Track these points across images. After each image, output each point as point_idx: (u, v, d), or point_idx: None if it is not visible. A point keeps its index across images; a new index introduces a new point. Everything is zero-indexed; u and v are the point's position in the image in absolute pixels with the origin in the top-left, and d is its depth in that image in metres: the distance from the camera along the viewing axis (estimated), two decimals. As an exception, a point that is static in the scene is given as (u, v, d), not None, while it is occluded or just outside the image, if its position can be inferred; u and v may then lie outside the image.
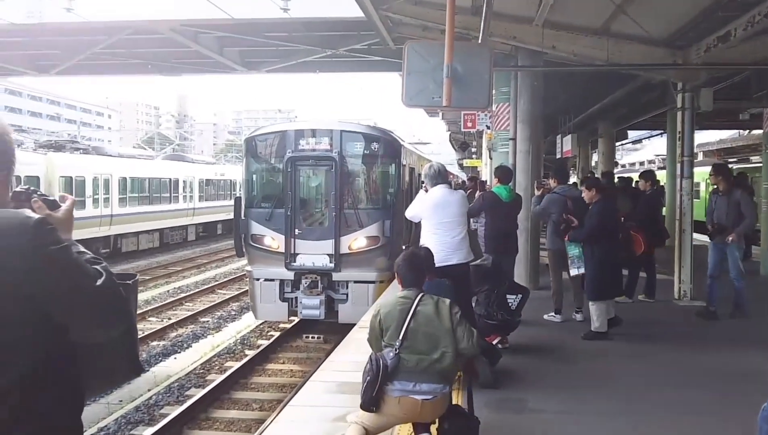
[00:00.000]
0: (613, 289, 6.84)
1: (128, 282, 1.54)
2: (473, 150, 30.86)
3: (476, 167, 37.67)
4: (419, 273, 3.96)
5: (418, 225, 5.84)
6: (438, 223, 5.55)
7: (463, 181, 28.80)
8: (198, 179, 29.27)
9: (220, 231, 32.15)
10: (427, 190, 5.80)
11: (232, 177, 33.74)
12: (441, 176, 5.67)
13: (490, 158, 13.54)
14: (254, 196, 11.67)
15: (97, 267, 1.46)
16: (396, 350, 3.71)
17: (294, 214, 10.88)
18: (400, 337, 3.70)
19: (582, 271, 6.86)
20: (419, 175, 15.18)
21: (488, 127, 12.91)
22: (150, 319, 13.79)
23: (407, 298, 3.83)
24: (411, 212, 5.84)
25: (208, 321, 13.53)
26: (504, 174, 7.38)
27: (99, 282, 1.41)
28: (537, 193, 8.50)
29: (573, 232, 7.00)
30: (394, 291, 4.18)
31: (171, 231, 26.84)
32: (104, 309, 1.42)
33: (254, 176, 11.72)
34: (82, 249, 1.49)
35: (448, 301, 3.80)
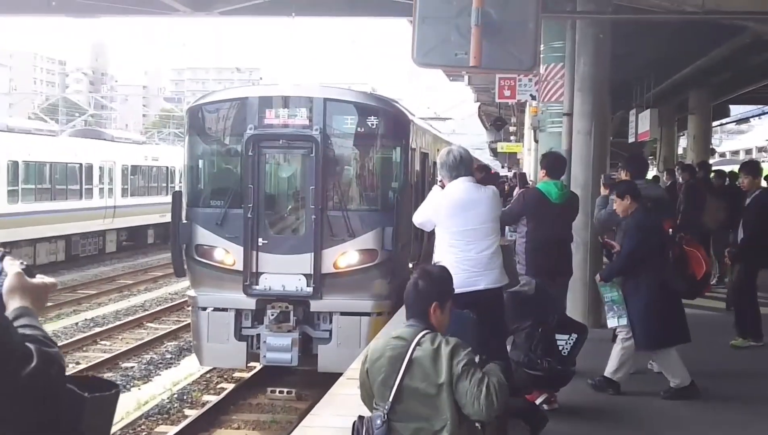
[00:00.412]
0: (675, 331, 6.86)
1: (104, 393, 1.51)
2: (511, 129, 31.00)
3: (515, 154, 37.96)
4: (427, 300, 3.95)
5: (433, 235, 5.88)
6: (458, 233, 5.59)
7: (505, 178, 28.83)
8: (121, 165, 29.39)
9: (152, 239, 32.29)
10: (443, 186, 5.85)
11: (169, 162, 33.87)
12: (463, 165, 5.71)
13: (536, 141, 13.65)
14: (200, 190, 11.75)
15: (31, 347, 1.45)
16: (384, 416, 3.67)
17: (257, 217, 10.96)
18: (390, 398, 3.67)
19: (624, 321, 6.85)
20: (434, 163, 15.28)
21: (533, 98, 13.00)
22: (49, 362, 13.84)
23: (401, 340, 3.79)
24: (421, 217, 5.89)
25: (132, 368, 13.58)
26: (554, 164, 7.44)
27: (25, 369, 1.39)
28: (603, 192, 8.55)
29: (606, 267, 7.12)
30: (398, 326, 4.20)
31: (82, 238, 26.93)
32: (22, 413, 1.37)
33: (201, 162, 11.80)
34: (32, 323, 1.52)
35: (453, 341, 3.73)
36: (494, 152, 47.51)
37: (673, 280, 6.93)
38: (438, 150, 16.34)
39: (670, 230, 8.10)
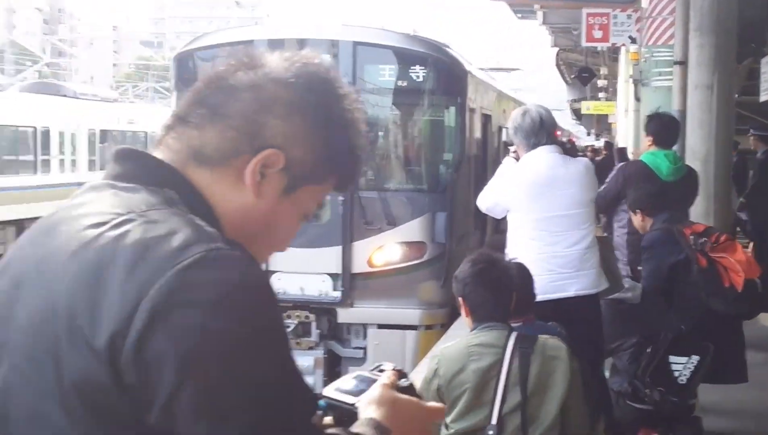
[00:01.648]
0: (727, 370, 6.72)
1: None
2: (600, 84, 30.79)
3: (606, 117, 37.70)
4: (505, 294, 4.06)
5: (503, 222, 5.90)
6: (541, 221, 5.60)
7: (588, 150, 28.65)
8: (87, 130, 29.70)
9: (126, 227, 32.61)
10: (518, 158, 5.89)
11: (148, 126, 34.11)
12: (545, 130, 5.71)
13: (637, 100, 13.51)
14: (193, 161, 11.84)
15: None
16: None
17: None
18: (495, 414, 3.83)
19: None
20: (499, 129, 15.25)
21: (632, 41, 12.85)
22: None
23: (489, 347, 3.92)
24: (489, 199, 5.90)
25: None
26: (665, 129, 7.41)
27: None
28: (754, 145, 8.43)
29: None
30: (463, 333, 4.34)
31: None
32: None
33: (194, 126, 11.89)
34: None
35: (564, 346, 3.95)
36: (577, 114, 47.30)
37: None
38: (504, 111, 16.33)
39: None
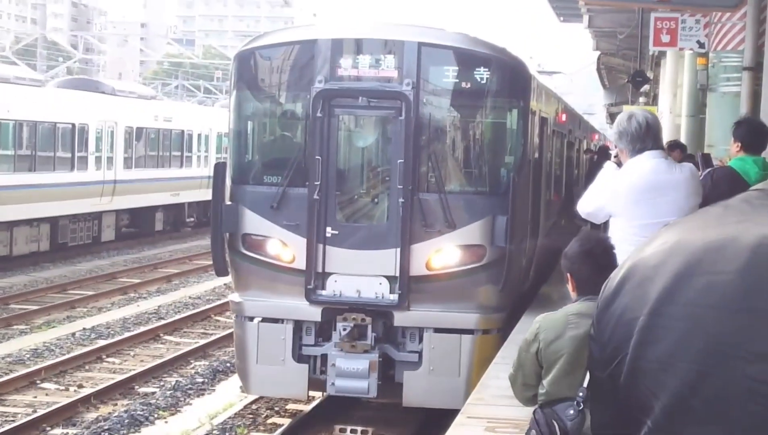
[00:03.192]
0: None
1: None
2: (642, 89, 30.67)
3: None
4: (607, 272, 4.17)
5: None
6: (645, 227, 5.55)
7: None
8: (124, 127, 29.89)
9: (161, 225, 32.76)
10: (619, 163, 5.95)
11: (186, 125, 34.26)
12: (651, 135, 5.76)
13: (704, 105, 13.45)
14: (251, 162, 11.91)
15: None
16: (579, 405, 4.11)
17: (325, 200, 11.05)
18: (585, 382, 3.99)
19: None
20: (553, 132, 15.17)
21: (701, 46, 12.79)
22: (44, 385, 14.12)
23: (587, 317, 4.12)
24: (591, 204, 5.89)
25: (153, 394, 13.75)
26: (753, 135, 7.37)
27: None
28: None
29: None
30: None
31: (72, 222, 27.46)
32: None
33: (252, 125, 11.97)
34: None
35: None
36: (613, 118, 47.14)
37: None
38: (558, 112, 16.26)
39: None
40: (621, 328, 1.47)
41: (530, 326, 4.74)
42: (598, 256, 4.53)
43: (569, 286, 4.68)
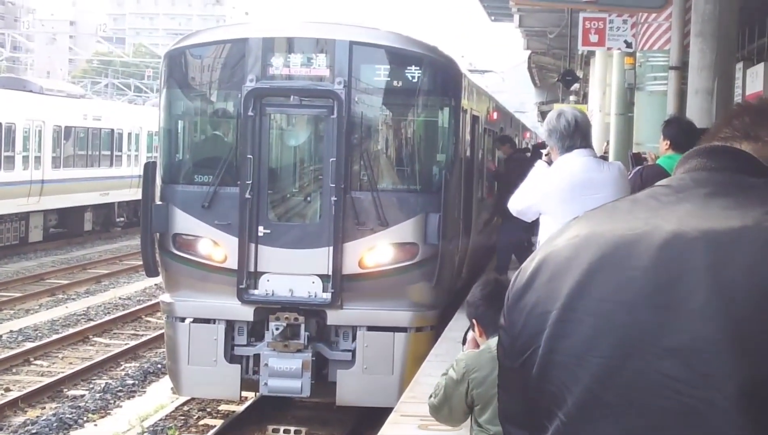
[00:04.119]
0: None
1: None
2: (573, 88, 30.99)
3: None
4: None
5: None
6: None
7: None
8: (52, 126, 29.39)
9: (90, 225, 32.32)
10: (550, 161, 5.96)
11: (116, 124, 33.82)
12: (580, 133, 5.79)
13: (632, 103, 13.61)
14: (182, 161, 11.80)
15: None
16: None
17: (257, 199, 10.98)
18: None
19: None
20: (485, 130, 15.24)
21: (628, 46, 12.98)
22: (-30, 388, 13.84)
23: None
24: (521, 202, 5.92)
25: (83, 397, 13.55)
26: (682, 134, 7.41)
27: None
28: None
29: None
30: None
31: (-2, 223, 26.95)
32: None
33: (183, 124, 11.86)
34: None
35: None
36: (544, 116, 47.63)
37: None
38: (490, 111, 16.34)
39: None
40: (533, 320, 1.48)
41: (455, 362, 4.68)
42: (501, 298, 4.53)
43: (476, 333, 4.69)
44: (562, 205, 5.61)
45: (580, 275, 1.45)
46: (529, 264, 1.55)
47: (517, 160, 14.25)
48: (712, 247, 1.41)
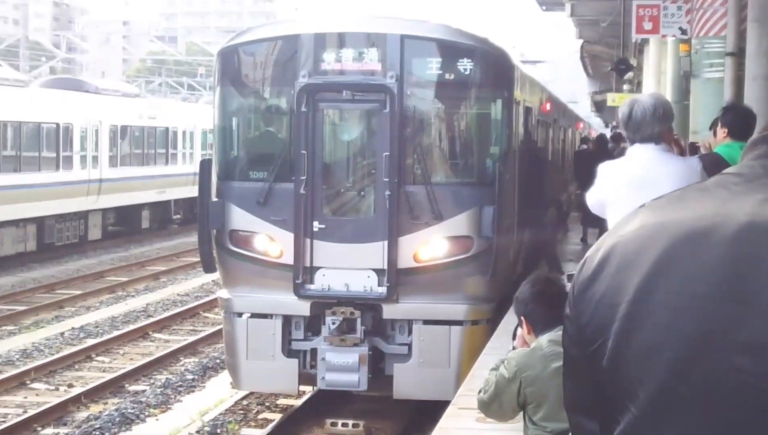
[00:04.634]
0: None
1: None
2: (627, 77, 30.71)
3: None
4: (563, 309, 4.20)
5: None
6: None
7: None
8: (108, 126, 29.78)
9: (147, 223, 32.71)
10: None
11: (171, 122, 34.14)
12: (651, 124, 5.41)
13: (688, 91, 13.48)
14: (237, 158, 11.90)
15: None
16: None
17: (312, 194, 11.05)
18: None
19: None
20: (538, 121, 15.17)
21: (683, 33, 12.82)
22: (34, 385, 14.10)
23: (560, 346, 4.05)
24: (594, 195, 5.77)
25: (144, 392, 13.73)
26: (741, 121, 7.29)
27: None
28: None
29: None
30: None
31: (58, 222, 27.35)
32: None
33: (237, 121, 11.96)
34: None
35: None
36: (597, 106, 47.18)
37: None
38: (542, 102, 16.26)
39: None
40: (601, 312, 1.45)
41: (506, 361, 4.67)
42: (550, 296, 4.53)
43: (524, 330, 4.69)
44: (622, 200, 5.52)
45: (649, 267, 1.42)
46: (596, 254, 1.51)
47: (581, 153, 14.09)
48: None
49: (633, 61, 27.32)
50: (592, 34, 28.69)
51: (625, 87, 33.71)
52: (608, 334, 1.44)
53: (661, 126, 5.47)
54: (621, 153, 17.80)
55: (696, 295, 1.39)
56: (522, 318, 4.69)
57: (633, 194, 5.46)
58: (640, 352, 1.42)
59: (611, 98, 31.99)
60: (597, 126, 61.45)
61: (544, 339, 4.52)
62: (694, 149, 9.75)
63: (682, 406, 1.39)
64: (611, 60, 29.34)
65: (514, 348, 4.93)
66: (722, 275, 1.38)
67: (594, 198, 5.78)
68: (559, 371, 4.15)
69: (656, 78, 23.09)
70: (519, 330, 4.85)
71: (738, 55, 10.46)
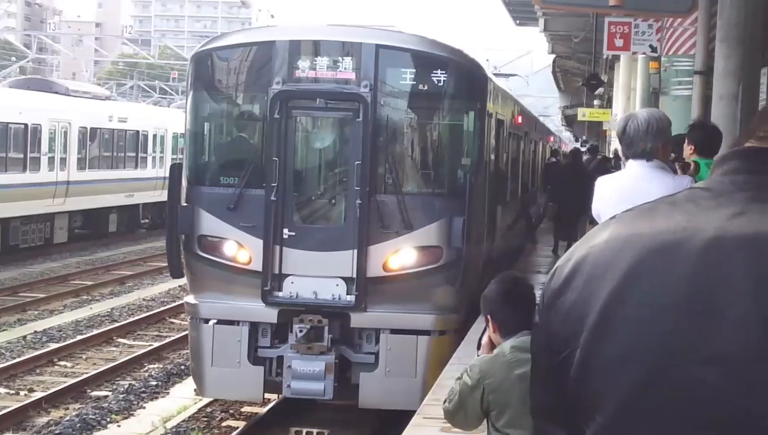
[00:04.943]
0: None
1: None
2: (597, 92, 30.99)
3: (600, 124, 37.94)
4: (531, 310, 4.23)
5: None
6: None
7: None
8: (77, 128, 29.54)
9: (114, 226, 32.47)
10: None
11: (141, 125, 33.95)
12: (644, 139, 5.31)
13: (657, 107, 13.61)
14: (207, 163, 11.87)
15: None
16: None
17: (282, 201, 11.01)
18: None
19: None
20: (510, 134, 15.21)
21: (653, 50, 12.95)
22: (-5, 387, 13.92)
23: (526, 352, 3.99)
24: (593, 208, 5.80)
25: (106, 398, 13.63)
26: (708, 138, 7.33)
27: None
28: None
29: None
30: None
31: (23, 224, 27.11)
32: None
33: (209, 126, 11.93)
34: None
35: None
36: (569, 120, 47.54)
37: None
38: (515, 114, 16.31)
39: None
40: (570, 323, 1.46)
41: (469, 368, 4.64)
42: (518, 295, 4.58)
43: (489, 329, 4.66)
44: (613, 212, 5.54)
45: (618, 279, 1.43)
46: (566, 264, 1.52)
47: (551, 166, 14.18)
48: (754, 253, 1.38)
49: (604, 77, 27.60)
50: (564, 49, 28.97)
51: (596, 102, 34.03)
52: (576, 344, 1.44)
53: (654, 142, 5.32)
54: (597, 165, 17.92)
55: (663, 307, 1.39)
56: (488, 317, 4.68)
57: (621, 208, 5.46)
58: (607, 362, 1.42)
59: (582, 113, 32.32)
60: (567, 140, 61.93)
61: (507, 345, 4.52)
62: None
63: (648, 418, 1.39)
64: (582, 75, 29.64)
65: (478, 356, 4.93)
66: (689, 288, 1.39)
67: (593, 210, 5.81)
68: (522, 378, 4.17)
69: (626, 94, 23.31)
70: (485, 338, 4.83)
71: (706, 73, 10.57)
